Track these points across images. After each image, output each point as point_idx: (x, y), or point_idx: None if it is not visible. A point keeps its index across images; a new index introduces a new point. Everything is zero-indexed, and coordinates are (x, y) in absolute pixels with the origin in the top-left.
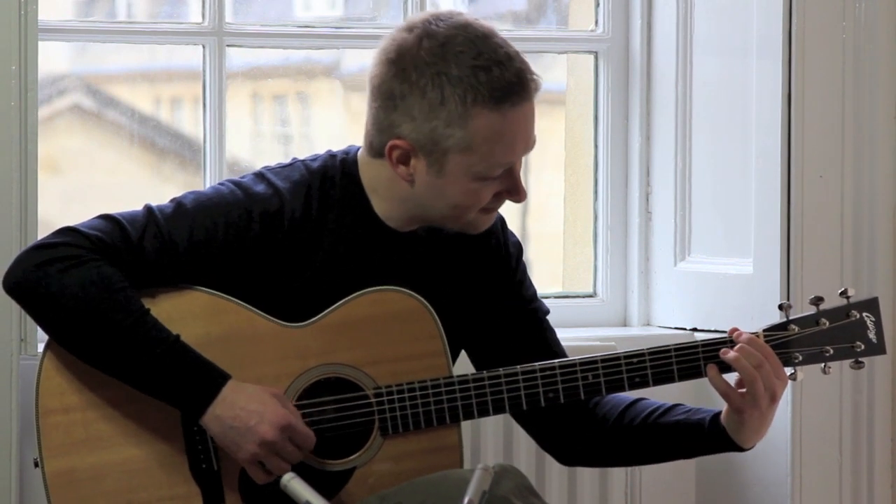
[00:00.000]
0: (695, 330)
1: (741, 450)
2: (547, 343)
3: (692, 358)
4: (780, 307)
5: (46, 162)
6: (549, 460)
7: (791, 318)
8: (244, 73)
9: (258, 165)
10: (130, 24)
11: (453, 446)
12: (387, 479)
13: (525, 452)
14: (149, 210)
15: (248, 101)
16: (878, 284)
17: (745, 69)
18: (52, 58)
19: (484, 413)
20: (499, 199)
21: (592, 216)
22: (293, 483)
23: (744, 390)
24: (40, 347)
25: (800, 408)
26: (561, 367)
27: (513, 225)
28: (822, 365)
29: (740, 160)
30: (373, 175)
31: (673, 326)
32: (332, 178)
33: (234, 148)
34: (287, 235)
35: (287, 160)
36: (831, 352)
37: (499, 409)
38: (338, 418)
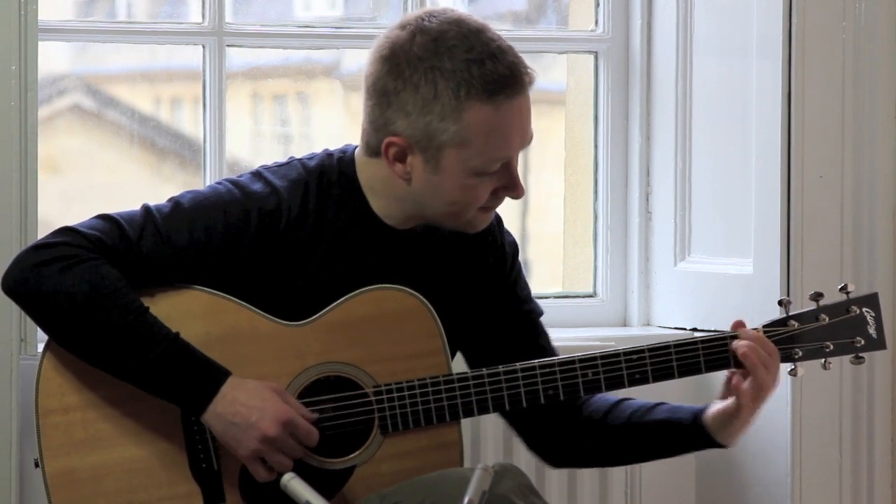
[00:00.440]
0: (695, 330)
1: (722, 447)
2: (539, 345)
3: (692, 354)
4: (780, 303)
5: (46, 162)
6: None
7: (791, 313)
8: (244, 73)
9: (258, 165)
10: (130, 24)
11: (453, 444)
12: (387, 477)
13: (525, 451)
14: (147, 210)
15: (248, 101)
16: (878, 284)
17: (745, 69)
18: (52, 58)
19: (484, 411)
20: (497, 196)
21: (592, 216)
22: (293, 483)
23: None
24: (40, 347)
25: (800, 407)
26: (560, 364)
27: (513, 225)
28: (823, 361)
29: (740, 160)
30: (370, 174)
31: (673, 326)
32: (330, 176)
33: (234, 148)
34: (285, 234)
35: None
36: (831, 347)
37: (498, 407)
38: (337, 417)
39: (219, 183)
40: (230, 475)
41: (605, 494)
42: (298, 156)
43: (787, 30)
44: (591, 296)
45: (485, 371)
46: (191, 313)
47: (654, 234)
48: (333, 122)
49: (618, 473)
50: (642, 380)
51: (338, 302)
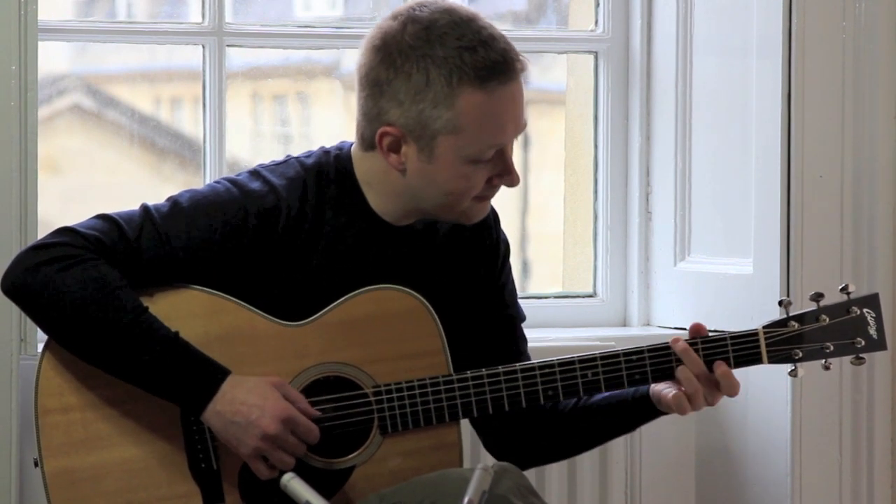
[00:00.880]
0: None
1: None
2: (517, 349)
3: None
4: (780, 303)
5: (46, 162)
6: None
7: (791, 314)
8: (244, 73)
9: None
10: (130, 24)
11: (453, 444)
12: (386, 477)
13: None
14: (145, 209)
15: (248, 101)
16: (878, 284)
17: (745, 69)
18: (52, 58)
19: (483, 411)
20: (492, 185)
21: (592, 216)
22: (293, 483)
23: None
24: (40, 347)
25: (800, 407)
26: (560, 364)
27: (513, 225)
28: (823, 361)
29: (740, 160)
30: (366, 168)
31: (673, 326)
32: (327, 173)
33: (234, 148)
34: (284, 232)
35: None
36: (832, 348)
37: (498, 408)
38: (337, 417)
39: (217, 182)
40: (229, 475)
41: (604, 494)
42: (295, 154)
43: (787, 30)
44: (591, 296)
45: (484, 371)
46: (190, 313)
47: (654, 234)
48: (333, 122)
49: (618, 473)
50: (642, 380)
51: (337, 302)
